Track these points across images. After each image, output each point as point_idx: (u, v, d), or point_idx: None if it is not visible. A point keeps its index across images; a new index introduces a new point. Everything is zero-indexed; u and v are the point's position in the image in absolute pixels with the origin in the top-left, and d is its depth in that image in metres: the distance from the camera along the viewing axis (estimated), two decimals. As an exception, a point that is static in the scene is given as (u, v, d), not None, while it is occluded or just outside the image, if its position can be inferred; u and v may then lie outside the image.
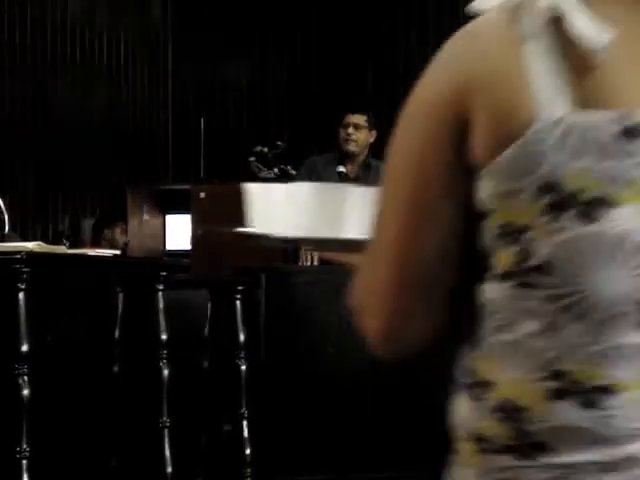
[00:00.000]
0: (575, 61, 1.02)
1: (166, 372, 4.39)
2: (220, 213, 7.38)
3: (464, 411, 1.10)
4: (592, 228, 1.01)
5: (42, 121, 7.02)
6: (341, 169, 6.03)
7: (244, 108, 7.82)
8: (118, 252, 5.37)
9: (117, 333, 4.29)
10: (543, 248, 1.02)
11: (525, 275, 1.04)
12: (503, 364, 1.06)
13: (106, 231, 7.19)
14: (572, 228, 1.01)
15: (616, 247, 1.01)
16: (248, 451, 5.04)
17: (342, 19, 7.55)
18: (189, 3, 7.99)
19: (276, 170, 7.40)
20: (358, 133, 6.08)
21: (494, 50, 1.07)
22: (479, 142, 1.04)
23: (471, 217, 1.06)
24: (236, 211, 7.29)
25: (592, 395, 1.03)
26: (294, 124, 7.62)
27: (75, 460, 3.94)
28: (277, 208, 1.59)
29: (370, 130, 6.13)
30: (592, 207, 1.01)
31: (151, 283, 4.45)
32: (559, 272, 1.02)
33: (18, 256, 3.50)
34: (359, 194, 1.51)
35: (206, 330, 5.04)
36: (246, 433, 5.04)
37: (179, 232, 7.78)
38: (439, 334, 1.14)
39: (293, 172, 7.07)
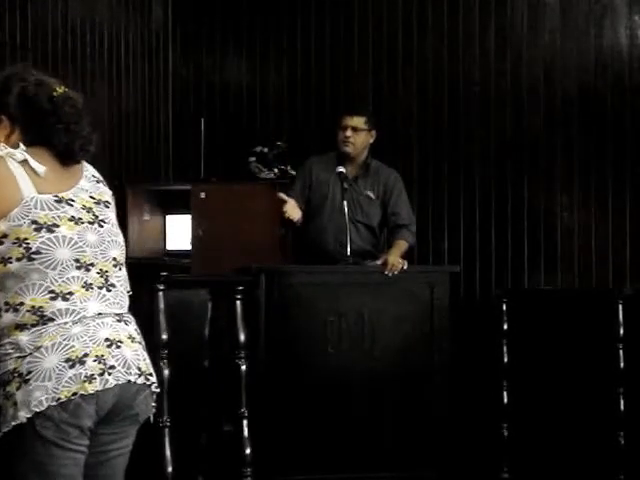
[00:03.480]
0: (35, 176, 2.66)
1: (166, 372, 4.40)
2: (220, 213, 7.39)
3: (7, 318, 2.62)
4: (53, 234, 2.63)
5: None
6: (340, 169, 6.02)
7: (244, 108, 7.81)
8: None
9: (117, 333, 4.29)
10: (35, 245, 2.61)
11: (30, 256, 2.61)
12: (25, 294, 2.61)
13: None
14: (46, 235, 2.62)
15: (63, 239, 2.65)
16: (248, 451, 5.04)
17: (342, 19, 7.55)
18: (189, 3, 7.99)
19: (276, 170, 7.40)
20: (356, 136, 6.05)
21: None
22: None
23: None
24: (236, 211, 7.33)
25: (67, 295, 2.64)
26: (294, 124, 7.62)
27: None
28: None
29: (370, 131, 6.11)
30: (51, 227, 2.64)
31: (151, 283, 4.46)
32: (43, 252, 2.61)
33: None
34: None
35: (206, 330, 5.04)
36: (246, 433, 5.04)
37: (179, 232, 7.78)
38: None
39: (293, 172, 7.07)
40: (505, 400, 5.92)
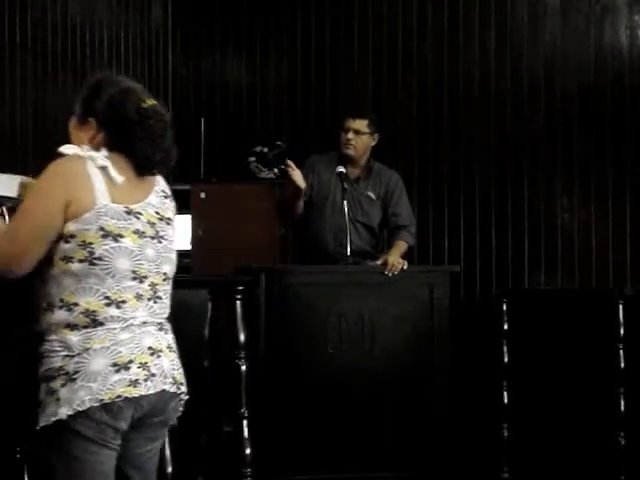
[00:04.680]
0: (111, 184, 2.76)
1: (166, 372, 4.38)
2: (220, 213, 7.39)
3: (59, 316, 2.73)
4: (117, 244, 2.74)
5: (42, 121, 7.03)
6: (340, 169, 6.01)
7: (244, 108, 7.81)
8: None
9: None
10: (98, 251, 2.72)
11: (92, 260, 2.71)
12: (80, 296, 2.72)
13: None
14: (110, 244, 2.73)
15: (125, 250, 2.75)
16: (248, 451, 5.04)
17: (342, 19, 7.55)
18: (189, 3, 7.99)
19: (276, 170, 7.40)
20: (358, 139, 6.04)
21: (79, 176, 2.74)
22: (72, 211, 2.71)
23: (62, 236, 2.73)
24: (236, 211, 7.34)
25: (120, 303, 2.75)
26: (294, 124, 7.62)
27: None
28: None
29: (372, 134, 6.10)
30: (116, 237, 2.74)
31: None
32: (105, 259, 2.72)
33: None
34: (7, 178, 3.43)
35: (206, 330, 5.04)
36: (246, 433, 5.03)
37: (179, 232, 7.77)
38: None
39: (293, 172, 7.06)
40: (505, 400, 5.92)
